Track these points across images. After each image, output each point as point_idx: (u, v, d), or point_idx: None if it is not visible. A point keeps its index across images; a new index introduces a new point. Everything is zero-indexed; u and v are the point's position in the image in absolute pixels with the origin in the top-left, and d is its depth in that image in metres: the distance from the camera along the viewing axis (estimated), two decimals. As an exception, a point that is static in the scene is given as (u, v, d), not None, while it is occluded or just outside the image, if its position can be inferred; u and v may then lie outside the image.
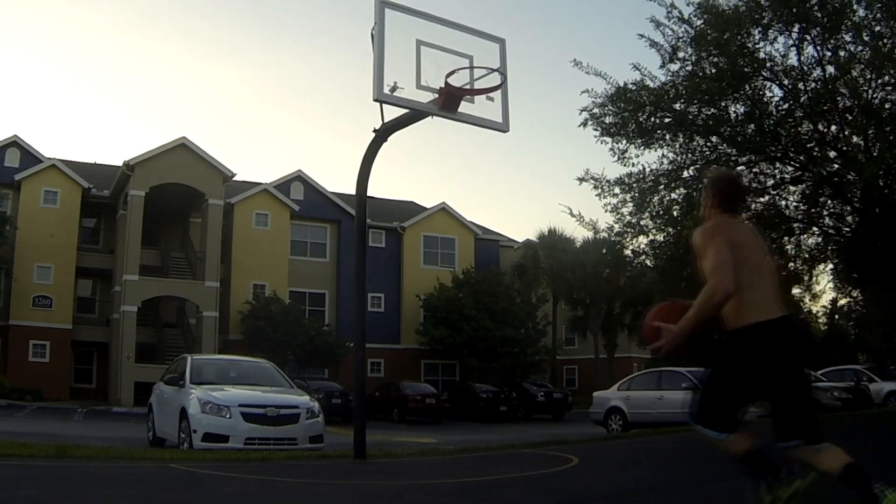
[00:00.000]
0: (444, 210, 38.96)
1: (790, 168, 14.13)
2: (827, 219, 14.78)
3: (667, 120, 13.58)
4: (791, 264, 15.97)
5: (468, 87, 7.81)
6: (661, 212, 14.29)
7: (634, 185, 13.95)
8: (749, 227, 4.07)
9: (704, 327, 3.64)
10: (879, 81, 12.71)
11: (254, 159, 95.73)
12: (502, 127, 8.18)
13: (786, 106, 13.46)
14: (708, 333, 3.74)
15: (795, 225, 14.82)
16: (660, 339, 3.76)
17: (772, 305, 3.59)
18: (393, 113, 7.94)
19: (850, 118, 12.75)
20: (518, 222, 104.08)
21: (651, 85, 13.54)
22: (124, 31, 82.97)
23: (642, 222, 14.35)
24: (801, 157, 13.71)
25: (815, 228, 14.97)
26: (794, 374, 3.62)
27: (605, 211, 14.25)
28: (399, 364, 34.76)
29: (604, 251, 16.05)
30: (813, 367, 21.05)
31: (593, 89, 13.61)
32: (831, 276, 18.28)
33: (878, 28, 12.53)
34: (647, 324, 3.86)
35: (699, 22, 13.00)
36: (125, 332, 29.06)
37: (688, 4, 13.04)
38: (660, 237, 15.02)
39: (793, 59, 13.16)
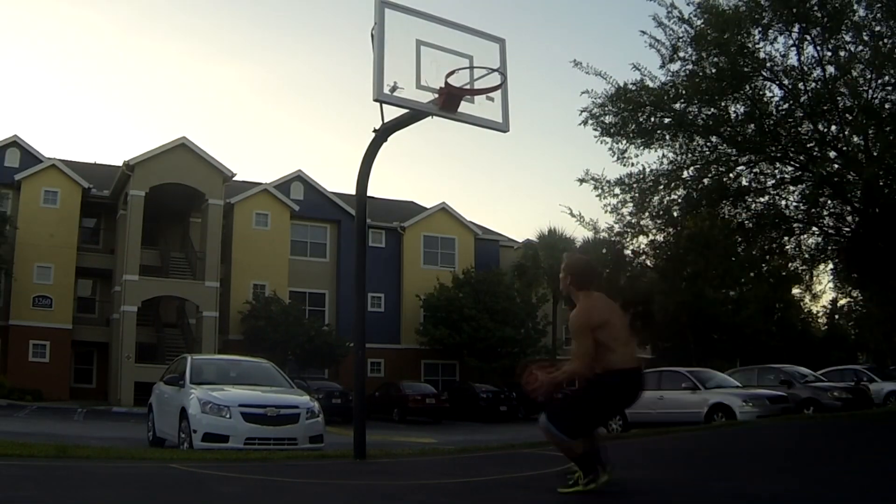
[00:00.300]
0: (444, 210, 38.95)
1: (790, 168, 14.13)
2: (827, 219, 14.79)
3: (667, 120, 13.59)
4: (791, 264, 15.99)
5: (468, 87, 7.80)
6: (661, 212, 14.31)
7: (634, 185, 13.97)
8: (606, 301, 5.16)
9: (562, 384, 5.30)
10: (879, 81, 12.72)
11: (254, 159, 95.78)
12: (502, 127, 8.17)
13: (786, 106, 13.46)
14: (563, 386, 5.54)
15: (795, 225, 14.83)
16: (536, 384, 5.09)
17: (629, 360, 5.02)
18: (393, 113, 7.93)
19: (850, 118, 12.76)
20: (518, 222, 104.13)
21: (651, 85, 13.56)
22: (124, 31, 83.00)
23: (642, 222, 14.37)
24: (801, 157, 13.71)
25: (815, 228, 14.98)
26: (622, 406, 5.55)
27: (605, 212, 14.30)
28: (399, 364, 34.76)
29: (604, 251, 16.06)
30: (812, 367, 21.08)
31: (593, 89, 13.65)
32: (831, 276, 18.31)
33: (878, 28, 12.54)
34: (529, 371, 5.19)
35: (699, 22, 13.01)
36: (125, 332, 29.06)
37: (688, 4, 13.06)
38: (660, 237, 15.06)
39: (793, 59, 13.18)
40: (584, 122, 13.77)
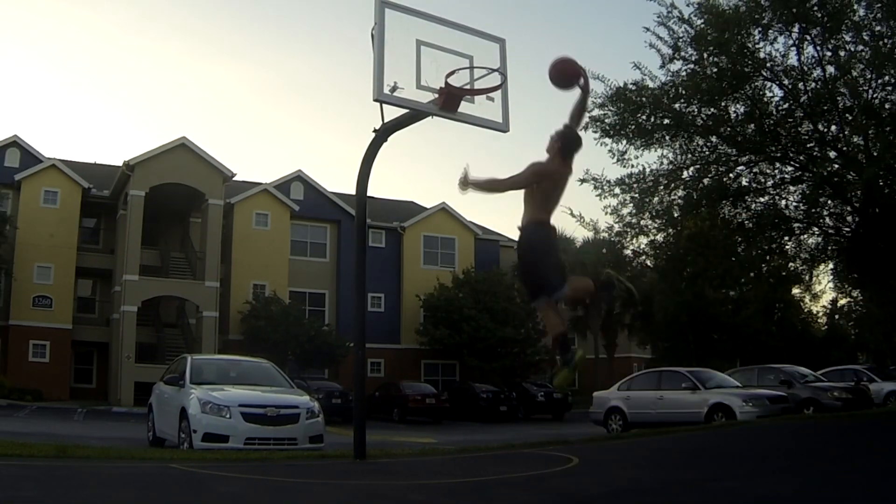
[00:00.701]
0: (444, 210, 38.94)
1: (790, 168, 14.13)
2: (827, 219, 14.79)
3: (666, 120, 13.59)
4: (791, 264, 15.98)
5: (468, 87, 7.80)
6: (661, 212, 14.31)
7: (634, 185, 13.97)
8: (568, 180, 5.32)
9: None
10: (879, 81, 12.71)
11: (254, 159, 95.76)
12: (502, 127, 8.17)
13: (786, 106, 13.47)
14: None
15: (795, 225, 14.82)
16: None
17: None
18: (393, 113, 7.93)
19: (850, 118, 12.76)
20: (518, 222, 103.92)
21: (651, 85, 13.56)
22: (124, 31, 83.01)
23: (642, 223, 14.37)
24: (801, 157, 13.72)
25: (815, 228, 14.98)
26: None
27: (605, 213, 14.34)
28: (399, 364, 34.76)
29: (604, 251, 16.07)
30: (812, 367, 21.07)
31: (593, 90, 13.63)
32: (831, 276, 18.31)
33: (878, 28, 12.54)
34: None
35: (699, 22, 13.01)
36: (125, 332, 29.06)
37: (688, 5, 13.06)
38: (660, 237, 15.06)
39: (793, 59, 13.18)
40: (585, 127, 13.77)
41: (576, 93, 5.26)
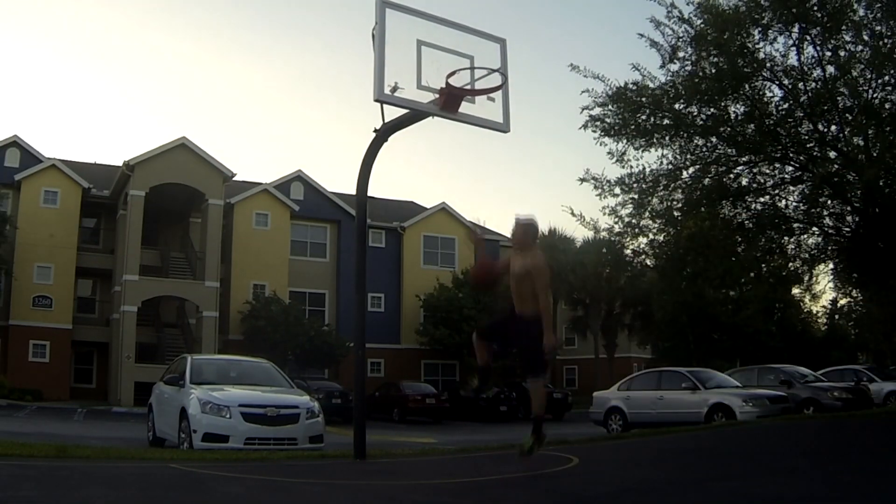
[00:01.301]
0: (444, 210, 38.96)
1: (790, 168, 14.12)
2: (827, 219, 14.78)
3: (666, 121, 13.58)
4: (791, 264, 15.97)
5: (469, 87, 7.79)
6: (661, 212, 14.29)
7: (634, 185, 13.96)
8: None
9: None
10: (879, 81, 12.71)
11: (254, 159, 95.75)
12: (503, 127, 8.17)
13: (786, 106, 13.46)
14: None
15: (795, 225, 14.81)
16: (486, 276, 7.45)
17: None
18: (393, 113, 7.93)
19: (850, 118, 12.75)
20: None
21: (651, 85, 13.55)
22: (124, 31, 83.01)
23: (642, 223, 14.36)
24: (801, 158, 13.71)
25: (815, 228, 14.97)
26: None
27: (605, 214, 14.28)
28: (399, 364, 34.77)
29: (604, 251, 16.07)
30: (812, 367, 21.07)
31: (593, 89, 13.63)
32: (831, 276, 18.29)
33: (878, 28, 12.53)
34: (481, 263, 7.02)
35: (699, 22, 13.01)
36: (125, 332, 29.06)
37: (688, 4, 13.06)
38: (659, 237, 15.04)
39: (793, 59, 13.17)
40: (585, 126, 13.77)
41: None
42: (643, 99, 13.37)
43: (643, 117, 13.52)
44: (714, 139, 13.86)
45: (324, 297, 36.05)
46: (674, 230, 14.77)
